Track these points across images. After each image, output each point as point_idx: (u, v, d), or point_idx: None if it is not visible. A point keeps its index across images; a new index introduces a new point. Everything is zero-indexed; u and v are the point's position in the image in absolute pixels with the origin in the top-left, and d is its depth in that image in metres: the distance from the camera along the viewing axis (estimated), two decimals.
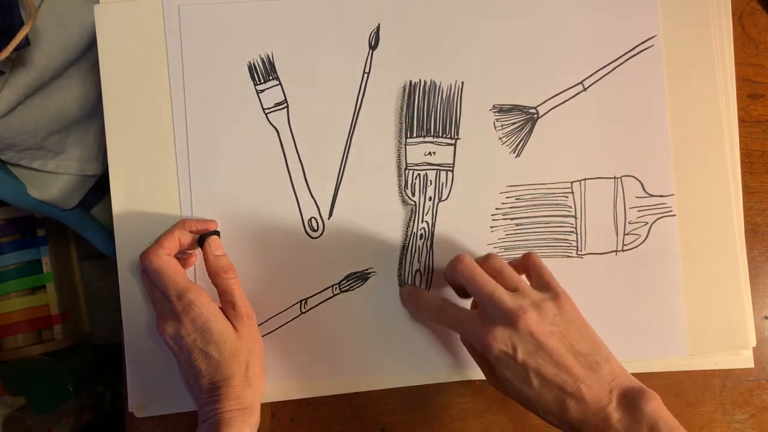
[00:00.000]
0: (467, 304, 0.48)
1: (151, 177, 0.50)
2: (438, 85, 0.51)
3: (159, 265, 0.44)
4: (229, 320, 0.46)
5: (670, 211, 0.52)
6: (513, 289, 0.42)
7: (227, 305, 0.46)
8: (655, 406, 0.38)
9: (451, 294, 0.49)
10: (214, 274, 0.47)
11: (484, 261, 0.44)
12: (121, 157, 0.50)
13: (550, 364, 0.39)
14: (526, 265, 0.45)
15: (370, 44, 0.51)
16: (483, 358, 0.44)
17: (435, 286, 0.51)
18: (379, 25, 0.51)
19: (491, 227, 0.51)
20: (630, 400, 0.38)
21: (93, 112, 0.62)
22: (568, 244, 0.52)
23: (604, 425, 0.38)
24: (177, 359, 0.46)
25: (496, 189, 0.51)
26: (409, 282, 0.51)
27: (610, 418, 0.38)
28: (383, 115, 0.51)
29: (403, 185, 0.51)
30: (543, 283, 0.43)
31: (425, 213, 0.51)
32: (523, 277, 0.45)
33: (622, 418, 0.38)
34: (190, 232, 0.48)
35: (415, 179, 0.51)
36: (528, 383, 0.40)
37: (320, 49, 0.50)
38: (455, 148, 0.51)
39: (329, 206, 0.51)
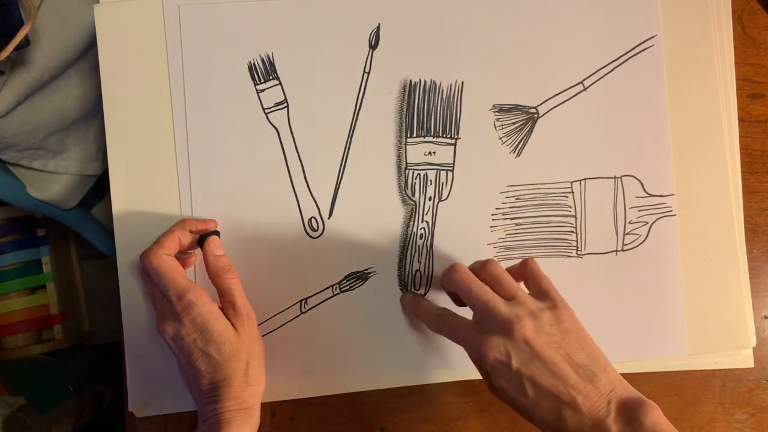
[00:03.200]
0: (466, 312, 0.48)
1: (151, 177, 0.50)
2: (438, 84, 0.51)
3: (159, 265, 0.44)
4: (229, 320, 0.46)
5: (670, 211, 0.52)
6: (510, 298, 0.41)
7: (227, 305, 0.46)
8: (656, 418, 0.37)
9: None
10: (213, 274, 0.47)
11: (482, 268, 0.44)
12: (121, 157, 0.50)
13: (546, 373, 0.39)
14: (524, 272, 0.45)
15: (370, 44, 0.51)
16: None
17: (435, 286, 0.51)
18: (379, 24, 0.51)
19: (491, 227, 0.51)
20: (629, 411, 0.37)
21: (93, 112, 0.62)
22: (568, 244, 0.52)
23: None
24: (177, 359, 0.46)
25: (496, 189, 0.51)
26: (410, 282, 0.51)
27: (609, 430, 0.37)
28: (383, 115, 0.51)
29: (403, 185, 0.51)
30: (541, 292, 0.42)
31: (425, 213, 0.51)
32: (522, 285, 0.45)
33: (622, 430, 0.37)
34: (191, 232, 0.48)
35: (415, 179, 0.51)
36: (523, 392, 0.39)
37: (320, 49, 0.50)
38: (455, 147, 0.51)
39: (329, 206, 0.51)
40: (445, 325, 0.44)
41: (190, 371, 0.45)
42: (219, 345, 0.44)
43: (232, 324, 0.45)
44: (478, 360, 0.42)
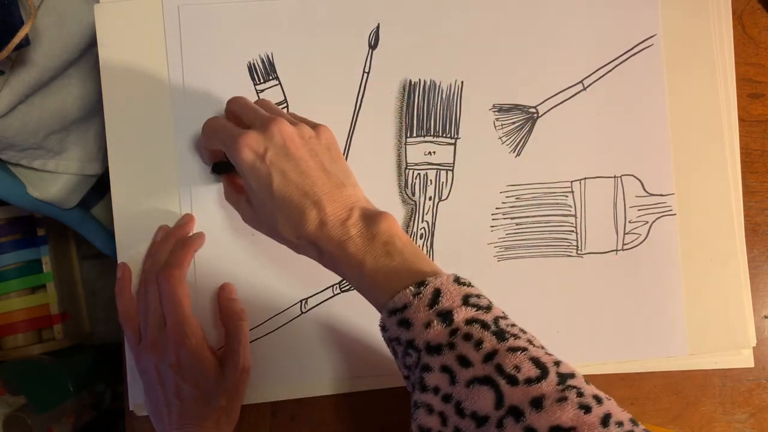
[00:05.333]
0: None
1: (151, 177, 0.50)
2: (438, 84, 0.51)
3: (174, 288, 0.45)
4: (221, 363, 0.46)
5: (670, 210, 0.52)
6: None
7: (228, 349, 0.47)
8: (390, 223, 0.38)
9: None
10: (226, 318, 0.48)
11: (230, 102, 0.44)
12: (121, 157, 0.50)
13: (296, 171, 0.38)
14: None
15: (370, 44, 0.51)
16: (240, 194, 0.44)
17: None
18: (378, 24, 0.51)
19: (491, 227, 0.51)
20: (368, 218, 0.38)
21: (93, 112, 0.61)
22: (568, 244, 0.52)
23: (342, 239, 0.37)
24: (152, 389, 0.46)
25: (496, 188, 0.51)
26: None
27: (349, 232, 0.38)
28: (383, 114, 0.51)
29: (403, 185, 0.51)
30: (308, 123, 0.43)
31: (425, 212, 0.51)
32: None
33: (361, 233, 0.38)
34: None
35: (416, 179, 0.51)
36: (270, 190, 0.39)
37: (320, 49, 0.50)
38: (455, 147, 0.51)
39: None
40: (214, 130, 0.42)
41: (164, 403, 0.45)
42: (199, 382, 0.44)
43: (222, 368, 0.46)
44: (237, 164, 0.40)
